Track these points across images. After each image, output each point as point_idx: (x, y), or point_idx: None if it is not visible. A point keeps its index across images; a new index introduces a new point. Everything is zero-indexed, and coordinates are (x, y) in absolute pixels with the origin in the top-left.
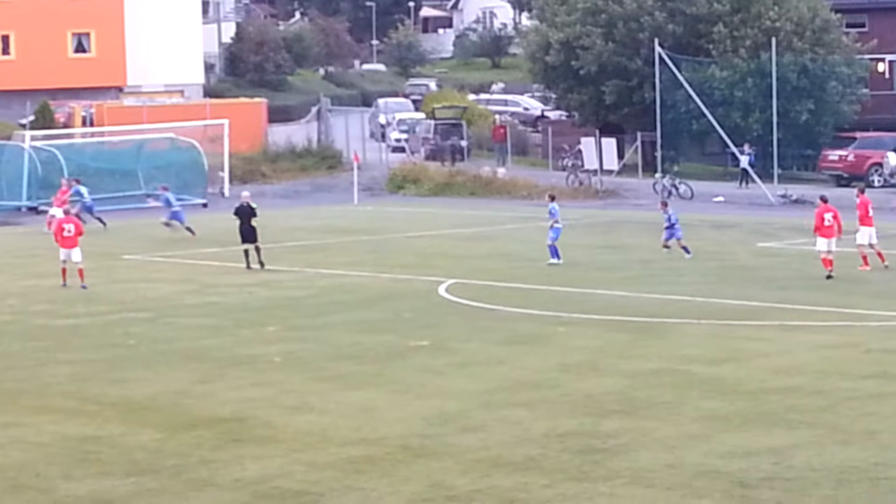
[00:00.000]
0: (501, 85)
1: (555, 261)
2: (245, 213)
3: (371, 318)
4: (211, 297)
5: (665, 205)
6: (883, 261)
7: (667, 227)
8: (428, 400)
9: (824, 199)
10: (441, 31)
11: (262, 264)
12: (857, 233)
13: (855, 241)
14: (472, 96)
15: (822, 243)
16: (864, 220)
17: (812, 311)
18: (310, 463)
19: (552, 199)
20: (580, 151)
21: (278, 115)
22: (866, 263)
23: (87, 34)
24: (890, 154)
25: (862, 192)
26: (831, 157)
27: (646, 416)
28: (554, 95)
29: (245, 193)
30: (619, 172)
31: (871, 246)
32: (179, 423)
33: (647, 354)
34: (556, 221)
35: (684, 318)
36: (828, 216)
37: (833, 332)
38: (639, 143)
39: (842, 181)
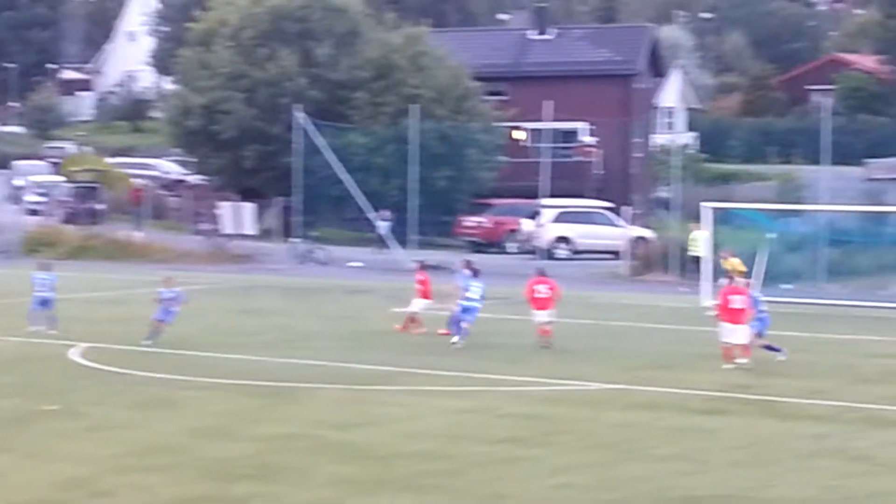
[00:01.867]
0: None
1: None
2: None
3: None
4: None
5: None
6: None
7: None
8: (57, 465)
9: (540, 272)
10: (82, 93)
11: None
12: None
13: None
14: (110, 160)
15: (540, 315)
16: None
17: (445, 375)
18: None
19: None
20: (218, 216)
21: None
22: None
23: None
24: (525, 221)
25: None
26: (468, 224)
27: (277, 481)
28: (194, 159)
29: None
30: (257, 237)
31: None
32: None
33: (279, 419)
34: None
35: (318, 383)
36: (541, 287)
37: (465, 397)
38: (277, 207)
39: (478, 247)
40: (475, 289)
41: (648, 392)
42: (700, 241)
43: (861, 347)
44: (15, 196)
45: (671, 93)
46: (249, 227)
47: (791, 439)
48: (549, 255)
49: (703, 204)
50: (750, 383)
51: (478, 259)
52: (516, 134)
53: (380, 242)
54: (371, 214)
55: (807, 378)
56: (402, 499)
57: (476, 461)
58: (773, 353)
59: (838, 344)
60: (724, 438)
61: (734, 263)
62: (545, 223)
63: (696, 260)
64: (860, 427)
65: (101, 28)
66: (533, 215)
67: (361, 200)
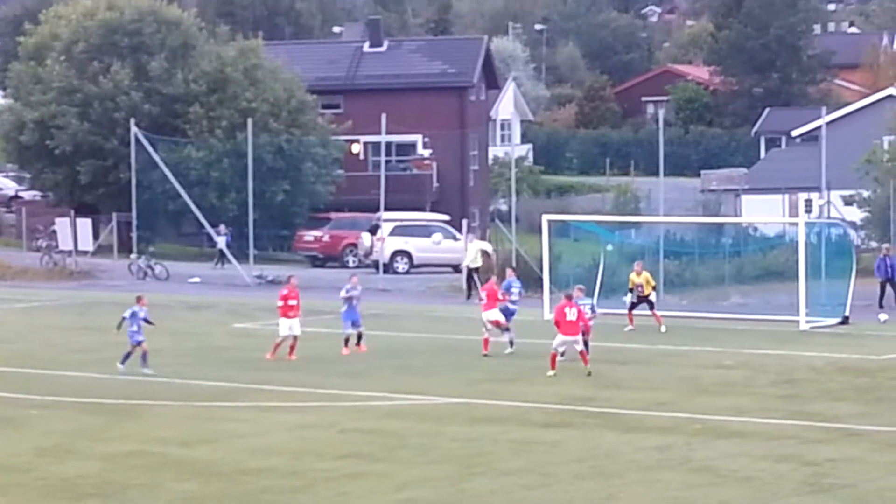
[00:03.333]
0: None
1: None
2: None
3: None
4: None
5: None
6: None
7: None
8: None
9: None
10: None
11: None
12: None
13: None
14: None
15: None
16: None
17: (288, 391)
18: None
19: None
20: (55, 232)
21: None
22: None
23: None
24: (364, 235)
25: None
26: (307, 238)
27: (122, 499)
28: (29, 175)
29: None
30: (95, 253)
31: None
32: None
33: (122, 437)
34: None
35: (161, 400)
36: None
37: (308, 413)
38: (114, 223)
39: (317, 262)
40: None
41: (491, 406)
42: (472, 252)
43: (701, 358)
44: None
45: (506, 104)
46: (87, 244)
47: (634, 451)
48: (389, 268)
49: (544, 216)
50: (592, 395)
51: (316, 274)
52: (354, 147)
53: (219, 257)
54: (210, 230)
55: (648, 390)
56: None
57: (321, 476)
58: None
59: (678, 355)
60: (567, 451)
61: (647, 277)
62: (384, 237)
63: (475, 272)
64: (702, 438)
65: None
66: (372, 229)
67: (199, 215)
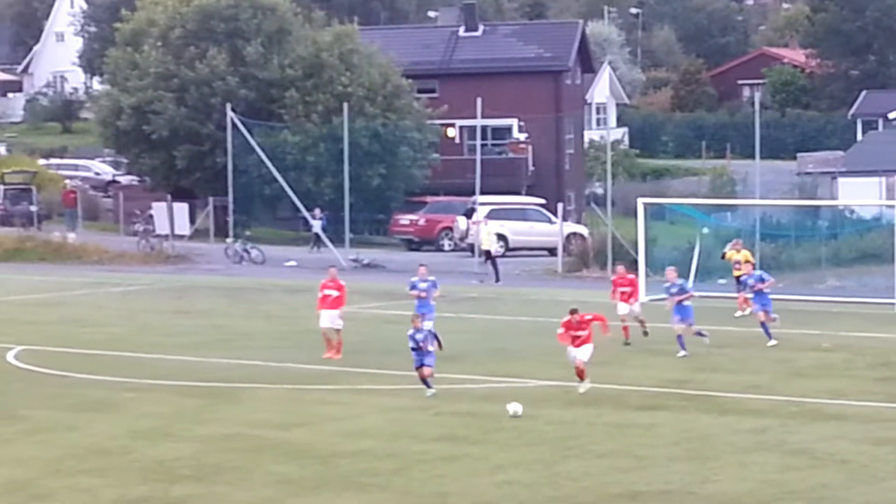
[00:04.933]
0: None
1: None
2: None
3: None
4: None
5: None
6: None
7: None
8: None
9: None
10: (10, 95)
11: None
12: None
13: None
14: (42, 161)
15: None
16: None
17: (384, 374)
18: None
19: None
20: (151, 216)
21: None
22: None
23: None
24: (460, 218)
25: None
26: (402, 222)
27: (217, 482)
28: (126, 160)
29: None
30: (191, 237)
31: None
32: None
33: (218, 419)
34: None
35: (257, 383)
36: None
37: (404, 396)
38: (211, 207)
39: (413, 245)
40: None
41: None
42: (485, 235)
43: (797, 341)
44: None
45: (601, 88)
46: (183, 228)
47: (729, 434)
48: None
49: (639, 200)
50: (687, 378)
51: (412, 258)
52: (450, 131)
53: (315, 241)
54: (306, 213)
55: (744, 373)
56: (344, 498)
57: (417, 459)
58: (701, 337)
59: (775, 338)
60: (662, 434)
61: (746, 255)
62: (481, 221)
63: (487, 254)
64: (799, 421)
65: (29, 29)
66: (468, 213)
67: (295, 200)
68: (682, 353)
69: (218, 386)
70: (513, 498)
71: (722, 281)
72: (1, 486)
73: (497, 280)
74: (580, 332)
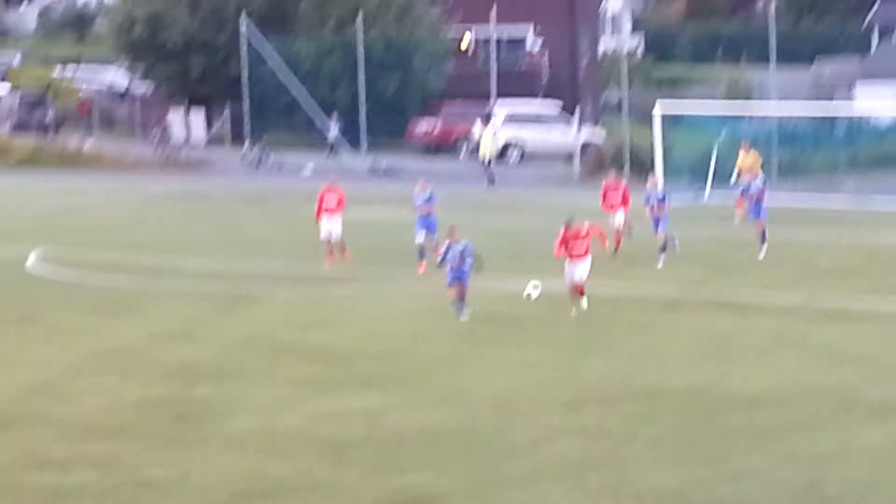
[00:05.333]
0: None
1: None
2: None
3: None
4: None
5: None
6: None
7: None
8: (19, 370)
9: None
10: (24, 4)
11: None
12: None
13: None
14: (57, 69)
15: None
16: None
17: (402, 277)
18: None
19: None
20: (167, 124)
21: None
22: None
23: None
24: (477, 125)
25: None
26: (419, 128)
27: (238, 383)
28: (141, 69)
29: None
30: (208, 144)
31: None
32: None
33: (238, 322)
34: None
35: (276, 286)
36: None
37: (424, 298)
38: (227, 114)
39: (430, 152)
40: None
41: (608, 289)
42: (486, 140)
43: (815, 245)
44: None
45: None
46: (199, 135)
47: (750, 334)
48: (501, 159)
49: (657, 103)
50: (708, 279)
51: (429, 165)
52: (464, 43)
53: (331, 148)
54: (323, 120)
55: (763, 273)
56: (365, 397)
57: (438, 359)
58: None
59: (793, 241)
60: (683, 333)
61: (755, 156)
62: (497, 127)
63: (487, 162)
64: (818, 321)
65: None
66: (485, 119)
67: (311, 108)
68: (661, 262)
69: (237, 289)
70: (534, 396)
71: (732, 180)
72: (24, 387)
73: (492, 184)
74: (577, 246)
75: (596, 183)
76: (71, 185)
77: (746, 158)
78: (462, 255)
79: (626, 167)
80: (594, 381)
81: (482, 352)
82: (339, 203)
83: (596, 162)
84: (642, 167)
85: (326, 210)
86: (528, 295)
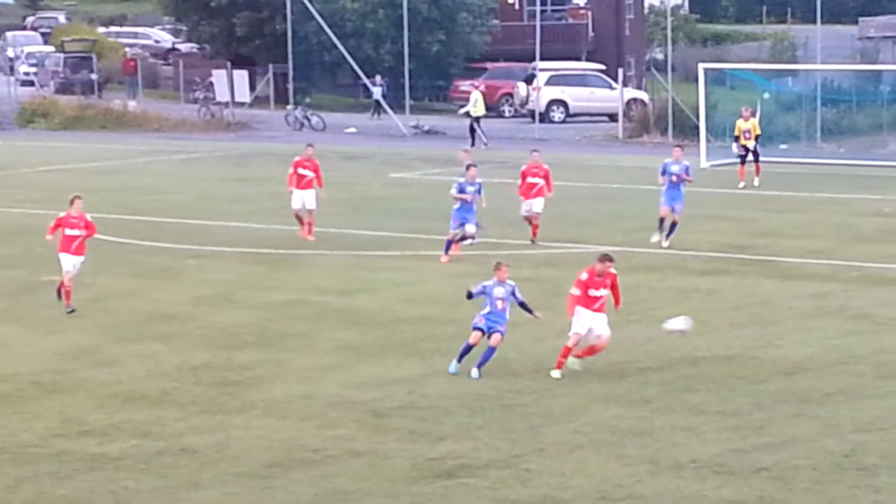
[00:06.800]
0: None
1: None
2: None
3: (1, 253)
4: None
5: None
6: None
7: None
8: (60, 335)
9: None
10: None
11: None
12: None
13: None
14: (102, 29)
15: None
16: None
17: (444, 240)
18: None
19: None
20: (211, 84)
21: None
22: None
23: None
24: (520, 84)
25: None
26: (463, 88)
27: (280, 348)
28: (185, 28)
29: None
30: (251, 104)
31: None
32: None
33: (280, 286)
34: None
35: (318, 250)
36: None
37: (465, 262)
38: (271, 74)
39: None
40: None
41: (648, 254)
42: (474, 100)
43: (859, 206)
44: (7, 67)
45: None
46: (243, 95)
47: (791, 299)
48: (545, 118)
49: (700, 65)
50: (749, 244)
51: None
52: None
53: (375, 108)
54: (366, 80)
55: (805, 238)
56: (407, 364)
57: None
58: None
59: (836, 203)
60: (724, 299)
61: (754, 123)
62: (540, 87)
63: (476, 120)
64: (860, 286)
65: None
66: (528, 79)
67: (355, 66)
68: (656, 237)
69: (279, 252)
70: (575, 361)
71: (783, 146)
72: (67, 352)
73: (472, 145)
74: (600, 291)
75: (639, 144)
76: (115, 146)
77: (744, 125)
78: (506, 299)
79: (670, 127)
80: (634, 349)
81: (524, 317)
82: (315, 176)
83: (640, 121)
84: (685, 127)
85: (301, 183)
86: (673, 329)
